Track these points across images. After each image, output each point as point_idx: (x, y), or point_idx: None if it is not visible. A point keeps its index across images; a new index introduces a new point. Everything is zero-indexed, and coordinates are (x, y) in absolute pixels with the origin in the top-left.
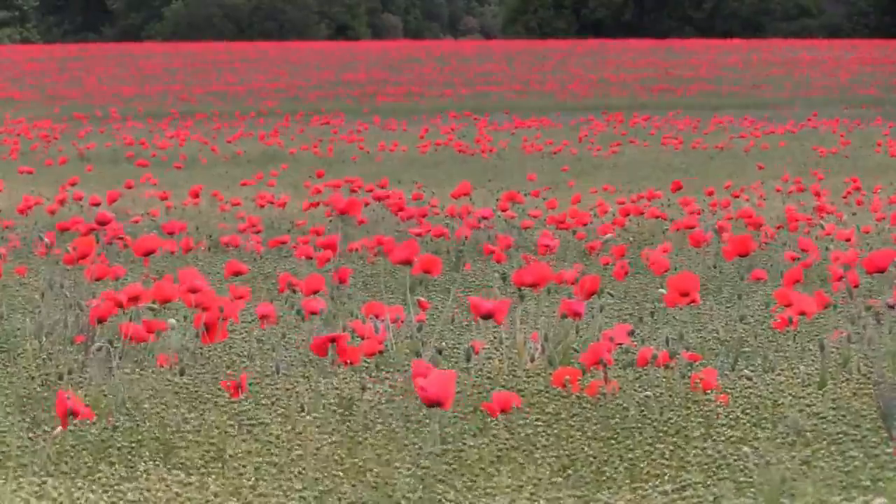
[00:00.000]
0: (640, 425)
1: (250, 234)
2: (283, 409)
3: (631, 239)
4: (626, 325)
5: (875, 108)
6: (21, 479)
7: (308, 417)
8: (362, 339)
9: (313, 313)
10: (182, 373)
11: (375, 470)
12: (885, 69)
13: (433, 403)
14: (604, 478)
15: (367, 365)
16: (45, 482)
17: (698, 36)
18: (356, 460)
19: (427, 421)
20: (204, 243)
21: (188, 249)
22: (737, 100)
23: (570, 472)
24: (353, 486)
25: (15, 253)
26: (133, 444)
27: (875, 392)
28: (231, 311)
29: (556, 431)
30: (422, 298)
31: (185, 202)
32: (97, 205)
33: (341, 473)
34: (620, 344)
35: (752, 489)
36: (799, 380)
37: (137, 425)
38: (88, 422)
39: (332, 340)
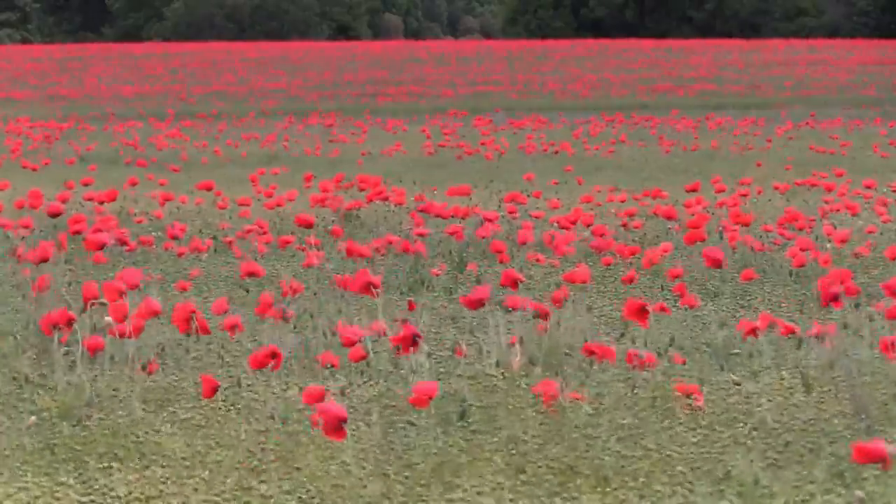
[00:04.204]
0: (611, 429)
1: (255, 234)
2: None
3: (648, 237)
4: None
5: (875, 108)
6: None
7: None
8: (346, 342)
9: (284, 319)
10: (144, 368)
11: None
12: (885, 69)
13: (341, 423)
14: (570, 483)
15: (350, 370)
16: (24, 479)
17: (698, 36)
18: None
19: (404, 427)
20: (208, 242)
21: (194, 249)
22: (737, 100)
23: (531, 476)
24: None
25: (12, 252)
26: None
27: (850, 393)
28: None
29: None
30: (411, 300)
31: (185, 201)
32: (101, 202)
33: (305, 479)
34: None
35: (732, 490)
36: (783, 381)
37: (100, 422)
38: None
39: (273, 355)
